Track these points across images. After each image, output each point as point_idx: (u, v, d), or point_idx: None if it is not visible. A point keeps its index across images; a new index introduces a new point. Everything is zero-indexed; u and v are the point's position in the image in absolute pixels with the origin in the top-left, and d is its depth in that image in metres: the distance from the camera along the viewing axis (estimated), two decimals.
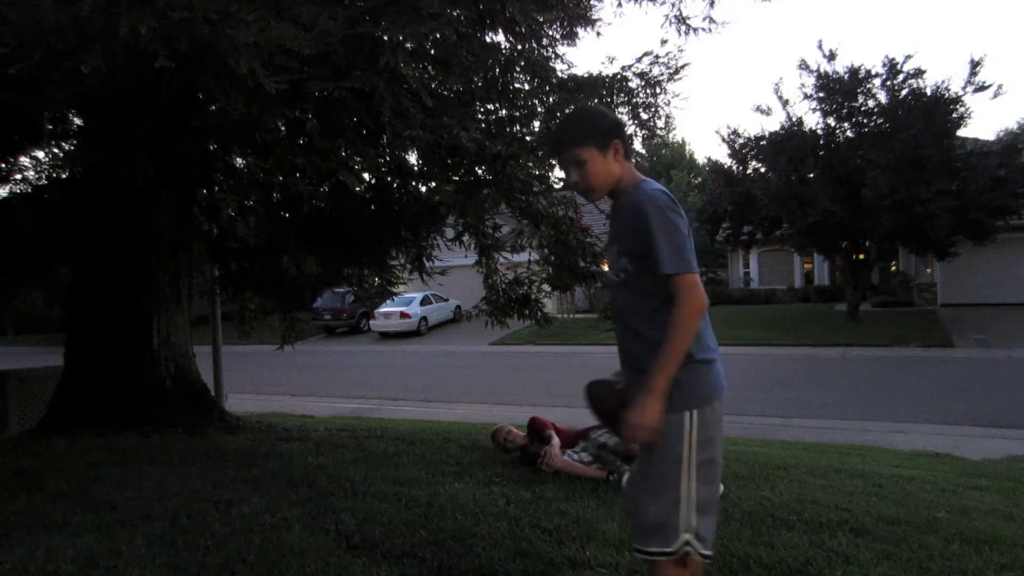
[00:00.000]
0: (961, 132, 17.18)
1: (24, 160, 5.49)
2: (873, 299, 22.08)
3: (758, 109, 18.90)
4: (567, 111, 4.51)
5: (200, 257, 6.23)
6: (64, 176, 5.59)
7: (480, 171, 4.93)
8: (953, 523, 3.18)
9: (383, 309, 21.89)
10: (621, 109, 5.29)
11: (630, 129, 5.39)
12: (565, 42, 5.08)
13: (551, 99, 4.85)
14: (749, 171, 19.43)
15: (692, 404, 1.80)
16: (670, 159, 43.85)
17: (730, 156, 19.88)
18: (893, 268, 25.06)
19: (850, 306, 19.00)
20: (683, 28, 5.50)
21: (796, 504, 3.39)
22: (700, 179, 38.55)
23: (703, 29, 5.50)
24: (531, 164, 4.92)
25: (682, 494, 1.80)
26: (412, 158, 4.82)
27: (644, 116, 5.35)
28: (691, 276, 1.77)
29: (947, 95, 16.40)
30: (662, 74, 5.25)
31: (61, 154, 5.41)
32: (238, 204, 5.29)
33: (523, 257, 6.21)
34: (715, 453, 1.86)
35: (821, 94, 17.50)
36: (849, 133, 17.85)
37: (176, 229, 5.65)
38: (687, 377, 1.80)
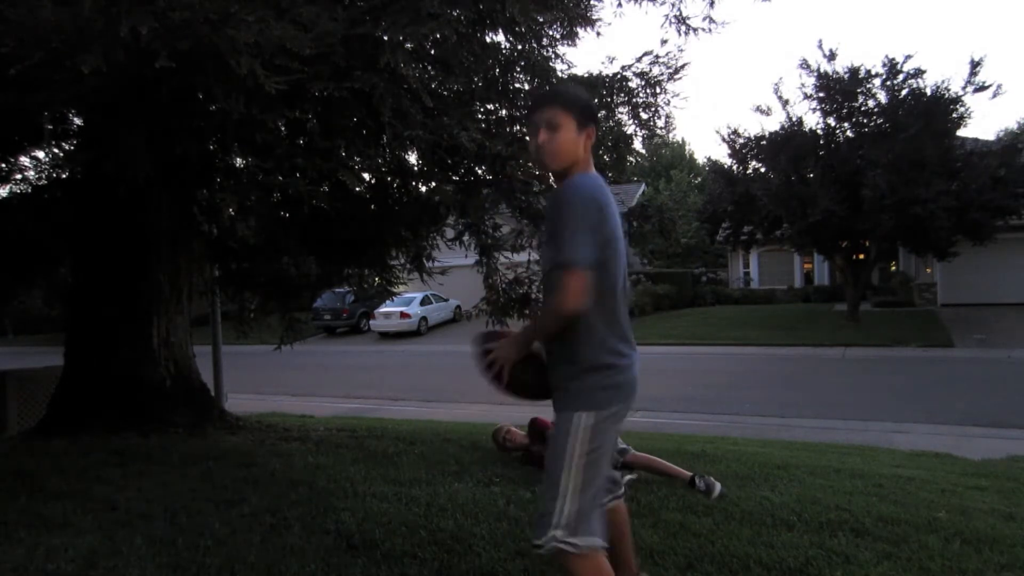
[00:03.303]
0: (961, 132, 17.17)
1: (24, 160, 5.49)
2: (873, 299, 22.08)
3: (758, 109, 18.90)
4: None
5: (200, 257, 6.22)
6: (64, 176, 5.58)
7: (480, 171, 4.92)
8: (953, 523, 3.18)
9: (383, 309, 21.88)
10: (621, 109, 5.29)
11: (630, 129, 5.39)
12: (565, 42, 5.07)
13: None
14: (749, 171, 19.40)
15: (579, 407, 1.88)
16: (670, 159, 43.83)
17: (730, 156, 19.86)
18: (893, 268, 25.05)
19: (850, 306, 18.99)
20: (683, 28, 5.49)
21: (796, 504, 3.39)
22: (700, 179, 38.52)
23: (703, 29, 5.49)
24: (531, 164, 4.92)
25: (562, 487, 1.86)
26: (412, 158, 4.81)
27: (644, 116, 5.33)
28: (573, 271, 1.79)
29: (947, 95, 16.39)
30: (662, 74, 5.24)
31: (61, 154, 5.40)
32: (238, 204, 5.28)
33: (523, 257, 6.21)
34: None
35: (821, 94, 17.49)
36: (849, 133, 17.84)
37: (176, 229, 5.64)
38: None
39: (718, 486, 3.59)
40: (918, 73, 16.73)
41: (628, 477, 3.70)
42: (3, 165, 5.33)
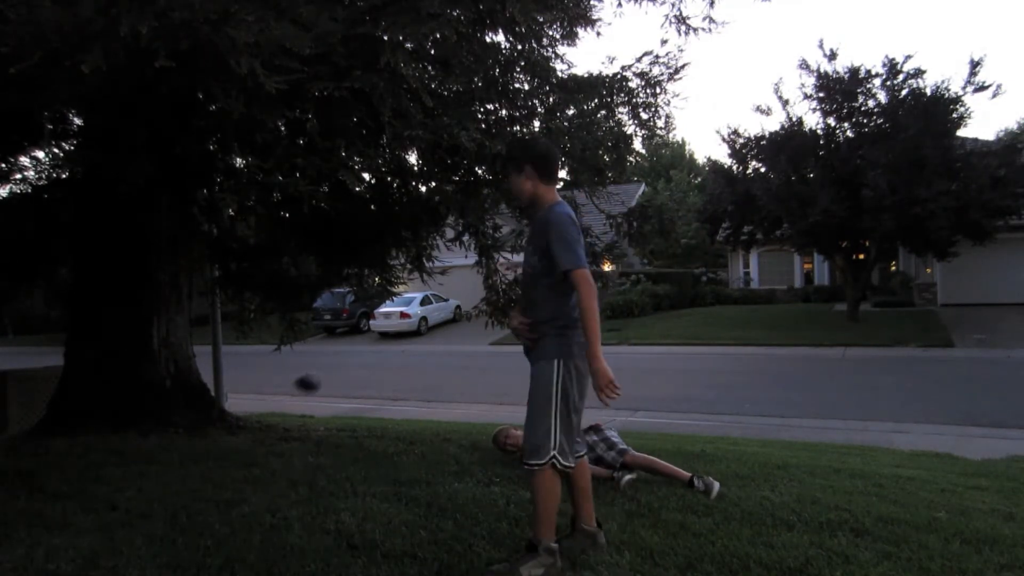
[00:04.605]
0: (961, 132, 17.16)
1: (24, 160, 5.48)
2: (873, 299, 22.08)
3: (758, 109, 18.91)
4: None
5: (200, 257, 6.21)
6: (64, 176, 5.58)
7: (480, 171, 4.92)
8: (953, 523, 3.18)
9: (383, 309, 21.89)
10: (621, 109, 5.27)
11: (630, 129, 5.39)
12: (565, 42, 5.07)
13: (551, 99, 4.84)
14: (749, 171, 19.40)
15: (561, 356, 2.52)
16: (670, 159, 43.83)
17: (730, 156, 19.86)
18: (893, 268, 25.05)
19: (850, 306, 18.99)
20: (683, 28, 5.50)
21: (796, 504, 3.39)
22: (700, 179, 38.51)
23: (703, 29, 5.49)
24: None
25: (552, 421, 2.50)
26: (412, 158, 4.81)
27: (644, 116, 5.32)
28: (582, 270, 2.46)
29: (947, 95, 16.39)
30: (662, 74, 5.23)
31: (61, 154, 5.39)
32: (238, 204, 5.28)
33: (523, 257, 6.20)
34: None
35: (821, 94, 17.49)
36: (849, 133, 17.84)
37: (176, 229, 5.64)
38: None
39: (716, 485, 3.59)
40: (918, 73, 16.74)
41: (628, 477, 3.70)
42: (3, 165, 5.33)
